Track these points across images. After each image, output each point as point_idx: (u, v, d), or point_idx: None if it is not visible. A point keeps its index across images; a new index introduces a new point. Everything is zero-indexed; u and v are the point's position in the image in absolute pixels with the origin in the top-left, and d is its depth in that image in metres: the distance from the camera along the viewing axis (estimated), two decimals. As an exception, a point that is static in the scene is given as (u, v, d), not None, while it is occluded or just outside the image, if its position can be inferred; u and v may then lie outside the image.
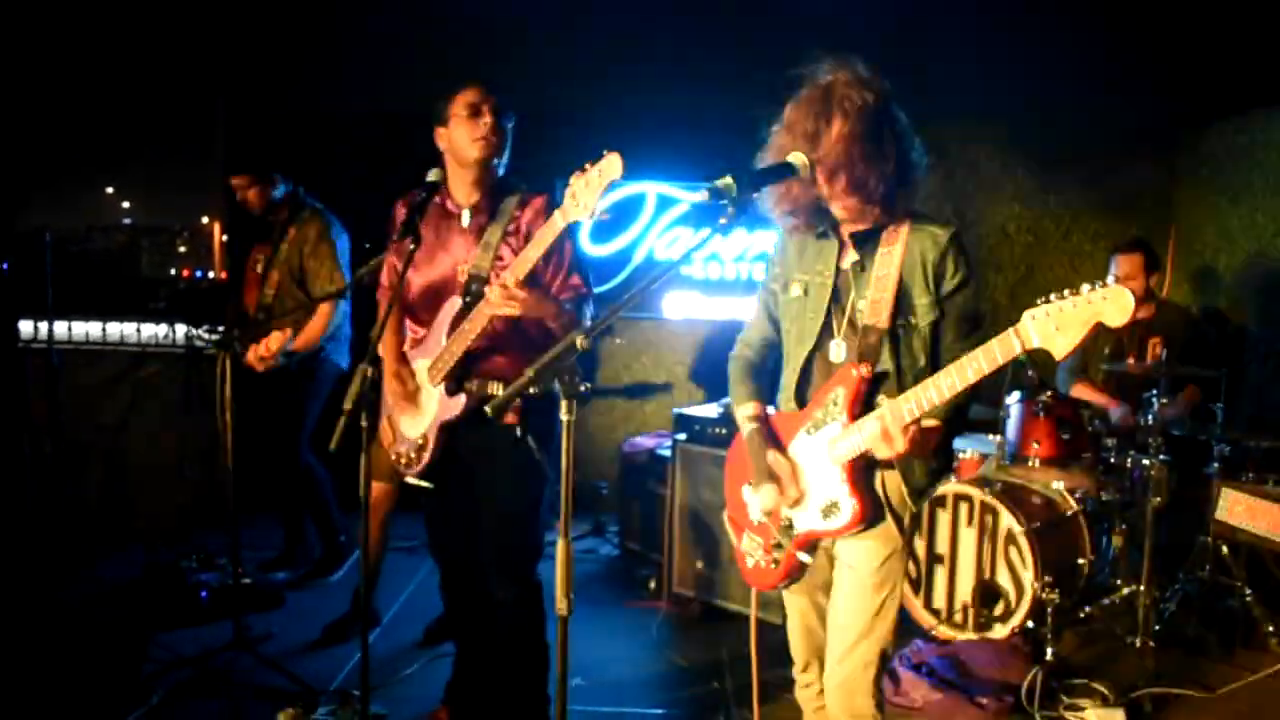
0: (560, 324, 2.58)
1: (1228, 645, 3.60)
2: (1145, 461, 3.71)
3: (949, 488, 3.78)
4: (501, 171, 2.71)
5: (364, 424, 2.32)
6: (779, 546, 2.15)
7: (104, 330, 5.02)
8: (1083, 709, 3.12)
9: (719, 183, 1.81)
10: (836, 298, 2.08)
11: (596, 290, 2.75)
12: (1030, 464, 3.96)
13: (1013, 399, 4.04)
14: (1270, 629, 3.59)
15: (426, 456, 2.70)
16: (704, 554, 3.94)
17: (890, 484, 2.06)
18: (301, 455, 4.18)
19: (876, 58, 2.03)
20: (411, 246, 2.50)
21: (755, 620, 2.35)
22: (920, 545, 3.78)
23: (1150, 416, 3.66)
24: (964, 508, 3.75)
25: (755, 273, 5.36)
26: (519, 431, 2.62)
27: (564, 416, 1.71)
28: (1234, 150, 5.00)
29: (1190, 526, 3.84)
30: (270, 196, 4.13)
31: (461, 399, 2.62)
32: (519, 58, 5.05)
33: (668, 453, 4.12)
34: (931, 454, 2.01)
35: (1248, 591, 3.65)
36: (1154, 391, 3.65)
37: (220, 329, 3.91)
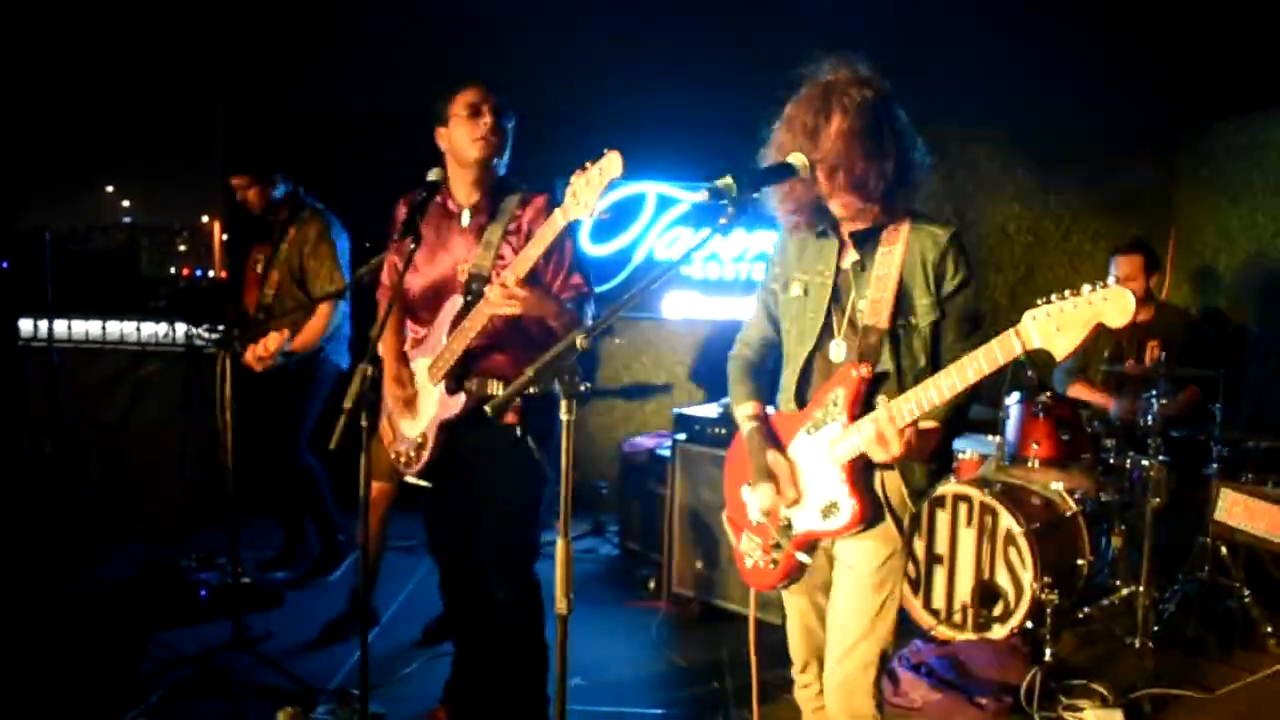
0: (561, 323, 2.58)
1: (1226, 646, 3.60)
2: (1144, 462, 3.71)
3: (948, 488, 3.78)
4: (503, 171, 2.71)
5: (364, 423, 2.32)
6: (778, 547, 2.15)
7: (104, 329, 5.02)
8: (1081, 709, 3.12)
9: (719, 183, 1.82)
10: (836, 297, 2.08)
11: (597, 290, 2.75)
12: (1029, 465, 3.96)
13: (1012, 400, 4.04)
14: (1269, 630, 3.59)
15: (426, 455, 2.70)
16: (704, 554, 3.95)
17: (890, 484, 2.06)
18: (300, 455, 4.18)
19: (876, 58, 2.03)
20: (412, 246, 2.51)
21: (754, 620, 2.35)
22: (919, 546, 3.78)
23: (1150, 417, 3.66)
24: (963, 508, 3.76)
25: (755, 273, 5.36)
26: (519, 431, 2.62)
27: (564, 416, 1.71)
28: (1234, 150, 5.01)
29: (1189, 527, 3.84)
30: (270, 196, 4.13)
31: (461, 398, 2.63)
32: (519, 58, 5.05)
33: (667, 453, 4.12)
34: (931, 455, 2.01)
35: (1246, 592, 3.65)
36: (1153, 392, 3.66)
37: (220, 328, 3.91)
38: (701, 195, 1.83)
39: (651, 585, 4.25)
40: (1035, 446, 3.95)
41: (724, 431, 3.89)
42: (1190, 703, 3.22)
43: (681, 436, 4.05)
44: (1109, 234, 5.29)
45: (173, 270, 6.45)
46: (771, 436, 2.16)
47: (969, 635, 3.64)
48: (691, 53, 5.19)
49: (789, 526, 2.12)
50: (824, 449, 2.04)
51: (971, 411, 2.16)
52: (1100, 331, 1.68)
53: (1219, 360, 3.88)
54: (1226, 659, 3.53)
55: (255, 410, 4.06)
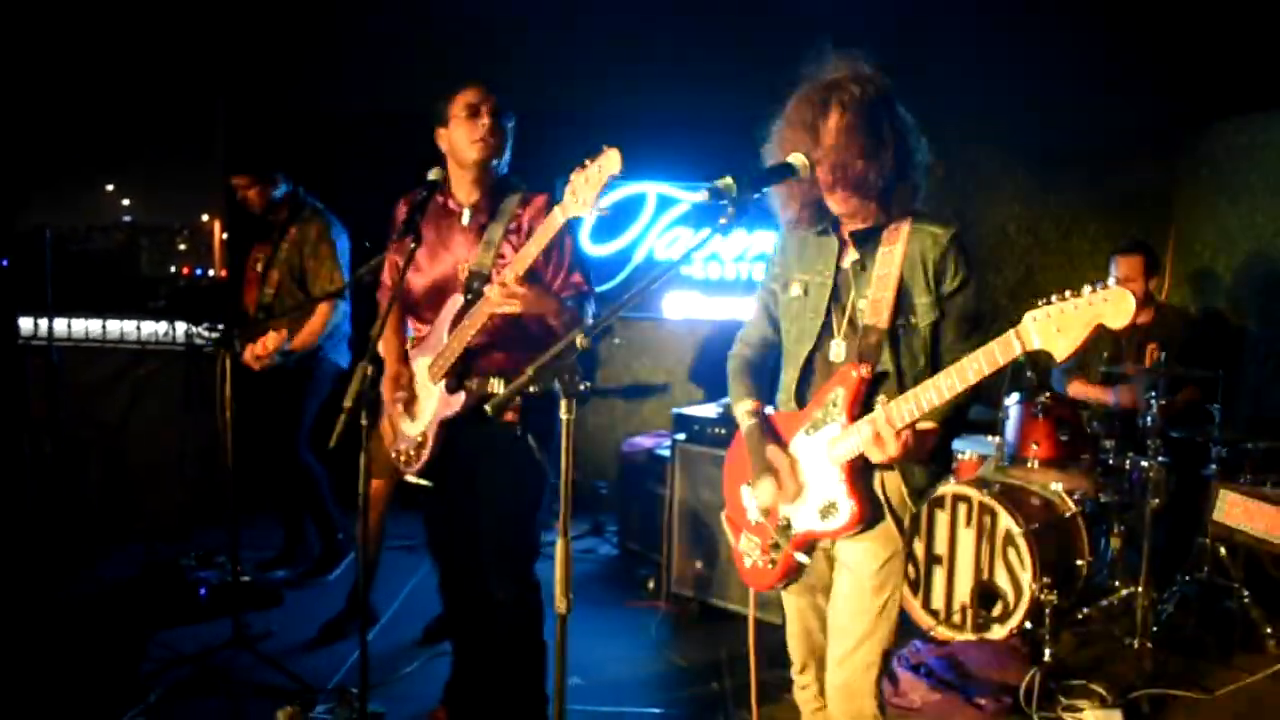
0: (561, 321, 2.58)
1: (1225, 647, 3.60)
2: (1144, 463, 3.71)
3: (948, 489, 3.78)
4: (504, 170, 2.71)
5: (363, 422, 2.33)
6: (776, 547, 2.15)
7: (104, 328, 5.02)
8: (1080, 710, 3.12)
9: (719, 183, 1.82)
10: (836, 297, 2.08)
11: (597, 290, 2.75)
12: (1029, 465, 3.97)
13: (1012, 400, 4.04)
14: (1268, 630, 3.59)
15: (426, 454, 2.70)
16: (703, 554, 3.95)
17: (890, 485, 2.05)
18: (300, 453, 4.18)
19: (876, 58, 2.03)
20: (412, 245, 2.51)
21: (753, 620, 2.35)
22: (919, 546, 3.78)
23: (1149, 417, 3.66)
24: (962, 509, 3.76)
25: (755, 273, 5.36)
26: (519, 430, 2.62)
27: (563, 415, 1.71)
28: (1234, 151, 5.00)
29: (1188, 528, 3.84)
30: (271, 196, 4.14)
31: (461, 396, 2.63)
32: (519, 58, 5.05)
33: (667, 453, 4.12)
34: (930, 456, 2.00)
35: (1245, 593, 3.65)
36: (1153, 393, 3.66)
37: (220, 327, 3.91)
38: (701, 195, 1.83)
39: (651, 585, 4.25)
40: (1035, 447, 3.95)
41: (723, 431, 3.89)
42: (1189, 703, 3.22)
43: (681, 436, 4.05)
44: (1109, 234, 5.29)
45: (173, 269, 6.46)
46: (771, 432, 2.16)
47: (968, 636, 3.64)
48: (691, 53, 5.19)
49: (788, 527, 2.12)
50: (823, 449, 2.04)
51: (971, 412, 2.16)
52: (1100, 333, 1.68)
53: (1218, 361, 3.88)
54: (1225, 659, 3.53)
55: (255, 409, 4.06)
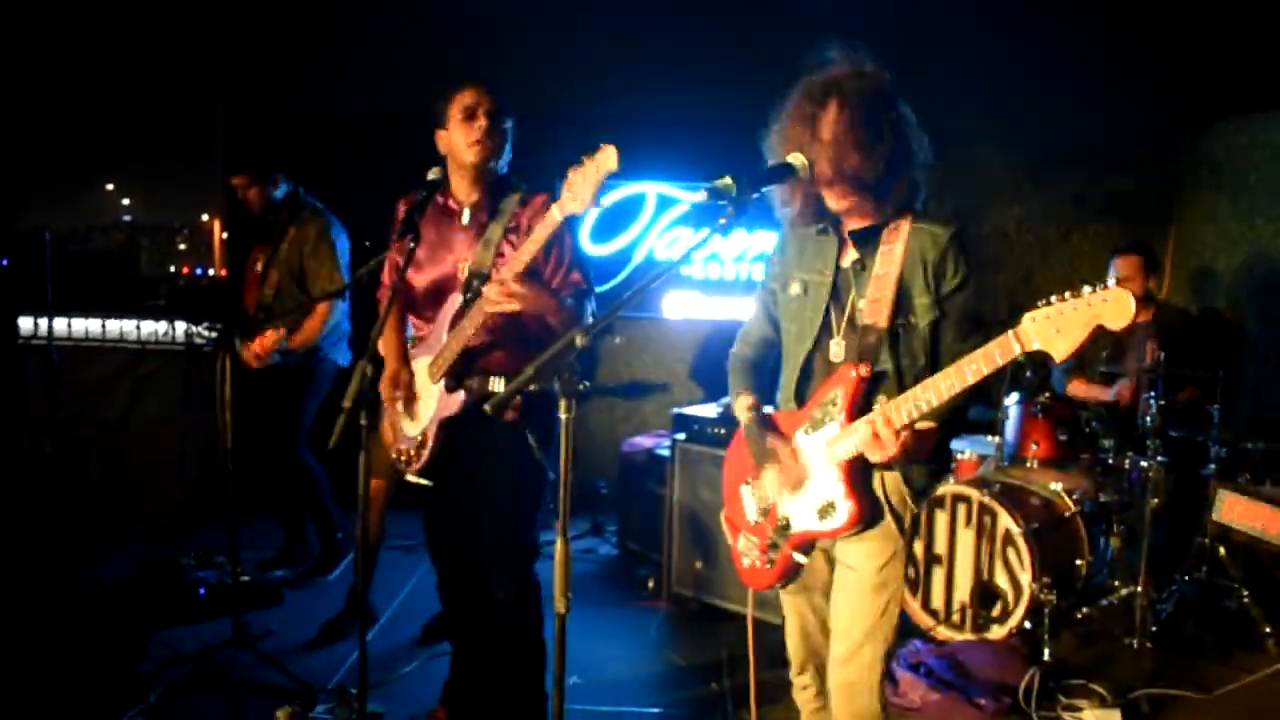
0: (560, 319, 2.58)
1: (1225, 646, 3.60)
2: (1143, 463, 3.72)
3: (947, 488, 3.78)
4: (504, 170, 2.71)
5: (362, 422, 2.33)
6: (774, 547, 2.15)
7: (104, 327, 5.02)
8: (1080, 709, 3.12)
9: (718, 183, 1.83)
10: (836, 297, 2.08)
11: (597, 290, 2.75)
12: (1028, 465, 3.97)
13: (1011, 400, 4.04)
14: (1267, 630, 3.59)
15: (426, 454, 2.70)
16: (703, 554, 3.95)
17: (890, 485, 2.05)
18: (299, 453, 4.18)
19: (876, 58, 2.04)
20: (411, 244, 2.51)
21: (752, 621, 2.35)
22: (918, 546, 3.78)
23: (1149, 418, 3.66)
24: (962, 509, 3.76)
25: (755, 273, 5.37)
26: (519, 429, 2.63)
27: (562, 415, 1.71)
28: (1234, 151, 5.01)
29: (1188, 528, 3.85)
30: (271, 196, 4.14)
31: (460, 395, 2.63)
32: (519, 58, 5.05)
33: (667, 452, 4.12)
34: (929, 455, 1.99)
35: (1245, 593, 3.66)
36: (1152, 393, 3.66)
37: (220, 327, 3.92)
38: (701, 195, 1.83)
39: (650, 585, 4.25)
40: (1034, 447, 3.96)
41: (723, 431, 3.89)
42: (1188, 703, 3.22)
43: (681, 436, 4.05)
44: (1109, 234, 5.29)
45: (172, 269, 6.45)
46: (771, 427, 2.16)
47: (968, 635, 3.64)
48: (691, 53, 5.19)
49: (786, 527, 2.12)
50: (822, 449, 2.04)
51: (971, 412, 2.16)
52: (1101, 333, 1.68)
53: (1218, 360, 3.88)
54: (1224, 659, 3.53)
55: (255, 409, 4.06)
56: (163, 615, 3.76)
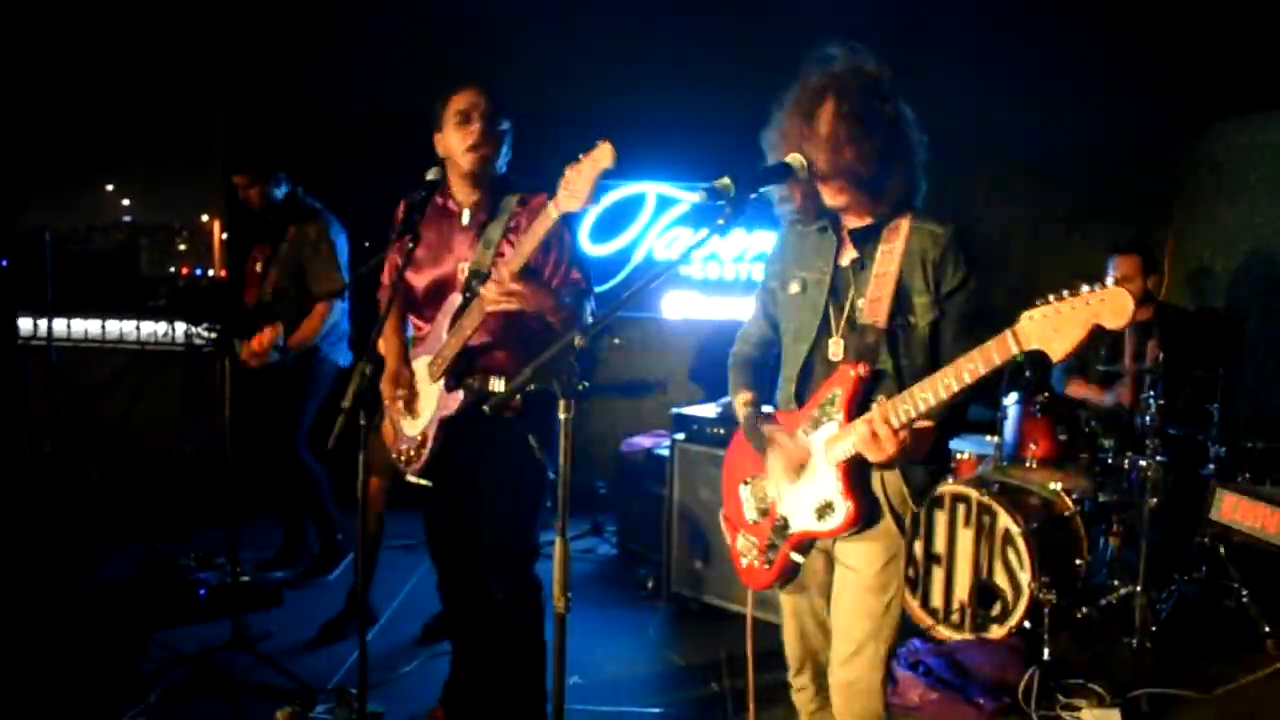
0: (559, 318, 2.57)
1: (1224, 646, 3.60)
2: (1142, 462, 3.72)
3: (946, 488, 3.79)
4: (502, 170, 2.71)
5: (362, 422, 2.33)
6: (773, 547, 2.15)
7: (103, 328, 5.03)
8: (1079, 709, 3.13)
9: (717, 183, 1.83)
10: (835, 295, 2.08)
11: (596, 290, 2.75)
12: (1028, 464, 3.97)
13: (1010, 400, 4.04)
14: (1267, 630, 3.59)
15: (425, 454, 2.70)
16: (702, 553, 3.95)
17: (890, 484, 2.05)
18: (299, 453, 4.19)
19: (877, 57, 2.04)
20: (410, 245, 2.51)
21: (750, 621, 2.35)
22: (918, 545, 3.78)
23: (1148, 417, 3.66)
24: (961, 508, 3.76)
25: (754, 273, 5.37)
26: (519, 429, 2.63)
27: (561, 415, 1.71)
28: (1233, 151, 5.01)
29: (1187, 527, 3.84)
30: (272, 195, 4.14)
31: (459, 395, 2.63)
32: (519, 58, 5.06)
33: (666, 452, 4.13)
34: (928, 455, 1.98)
35: (1244, 592, 3.66)
36: (1151, 392, 3.66)
37: (219, 327, 3.92)
38: (700, 196, 1.83)
39: (650, 584, 4.25)
40: (1033, 446, 3.96)
41: (722, 431, 3.89)
42: (1187, 702, 3.22)
43: (680, 436, 4.06)
44: (1109, 234, 5.27)
45: (172, 269, 6.45)
46: (770, 422, 2.16)
47: (967, 635, 3.64)
48: (691, 53, 5.19)
49: (784, 526, 2.12)
50: (820, 449, 2.04)
51: (970, 411, 2.16)
52: (1099, 332, 1.67)
53: (1217, 360, 3.88)
54: (1224, 659, 3.52)
55: (254, 409, 4.07)
56: (163, 616, 3.76)
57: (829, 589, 2.16)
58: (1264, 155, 4.78)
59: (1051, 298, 1.67)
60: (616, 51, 5.25)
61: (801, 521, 2.08)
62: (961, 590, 3.73)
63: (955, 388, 1.79)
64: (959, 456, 4.23)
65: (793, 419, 2.12)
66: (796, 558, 2.13)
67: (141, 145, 5.92)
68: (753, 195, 1.88)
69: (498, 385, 2.62)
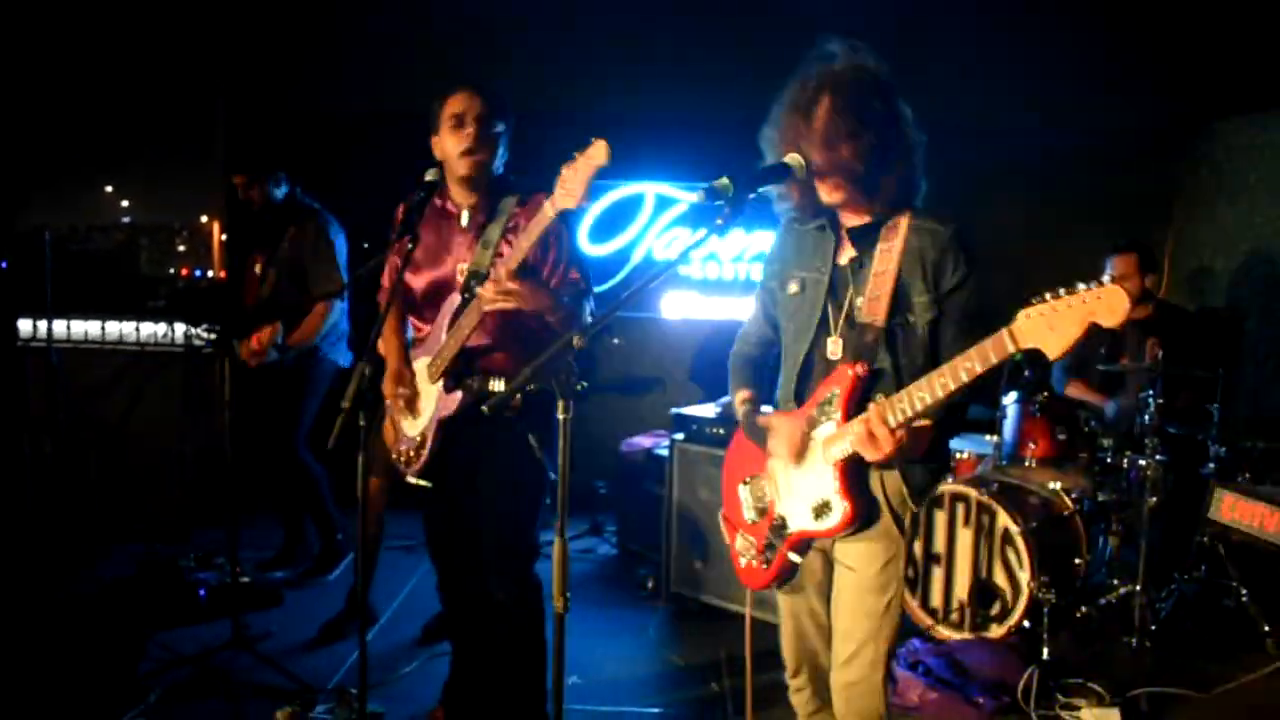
0: (558, 317, 2.57)
1: (1223, 645, 3.61)
2: (1141, 462, 3.72)
3: (946, 487, 3.79)
4: (499, 169, 2.71)
5: (361, 422, 2.33)
6: (771, 547, 2.15)
7: (103, 329, 5.03)
8: (1078, 708, 3.13)
9: (716, 184, 1.83)
10: (834, 295, 2.07)
11: (595, 290, 2.75)
12: (1027, 464, 3.97)
13: (1010, 399, 4.04)
14: (1266, 629, 3.59)
15: (425, 454, 2.71)
16: (702, 553, 3.95)
17: (890, 485, 2.05)
18: (299, 453, 4.19)
19: (877, 55, 2.04)
20: (409, 246, 2.51)
21: (749, 621, 2.35)
22: (917, 545, 3.78)
23: (1147, 416, 3.67)
24: (960, 507, 3.76)
25: (753, 273, 5.37)
26: (519, 429, 2.63)
27: (560, 415, 1.71)
28: (1233, 150, 5.01)
29: (1186, 527, 3.85)
30: (272, 194, 4.15)
31: (458, 395, 2.63)
32: (519, 58, 5.06)
33: (665, 452, 4.13)
34: (926, 453, 1.98)
35: (1244, 592, 3.66)
36: (1150, 392, 3.66)
37: (219, 328, 3.93)
38: (698, 196, 1.84)
39: (650, 584, 4.26)
40: (1032, 446, 3.96)
41: (722, 431, 3.90)
42: (1187, 702, 3.22)
43: (679, 436, 4.06)
44: (1109, 234, 5.26)
45: (172, 270, 6.45)
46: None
47: (966, 634, 3.64)
48: (691, 53, 5.20)
49: (782, 526, 2.12)
50: (818, 448, 2.03)
51: (969, 411, 2.15)
52: (1095, 330, 1.67)
53: (1217, 359, 3.88)
54: (1223, 658, 3.52)
55: (254, 410, 4.07)
56: (162, 616, 3.76)
57: (826, 589, 2.16)
58: (1264, 155, 4.79)
59: (1048, 296, 1.67)
60: (616, 51, 5.25)
61: (799, 521, 2.08)
62: (961, 590, 3.73)
63: (952, 386, 1.78)
64: (958, 456, 4.23)
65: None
66: (794, 558, 2.13)
67: (141, 145, 5.92)
68: (751, 195, 1.88)
69: (497, 385, 2.63)
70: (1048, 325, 1.66)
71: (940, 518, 3.80)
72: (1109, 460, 3.96)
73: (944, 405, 1.83)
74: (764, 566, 2.17)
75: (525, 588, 2.75)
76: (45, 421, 4.78)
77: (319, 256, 4.11)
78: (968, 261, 1.99)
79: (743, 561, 2.24)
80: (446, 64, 5.09)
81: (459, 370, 2.64)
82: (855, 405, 1.97)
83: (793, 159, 1.95)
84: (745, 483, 2.23)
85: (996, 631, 3.62)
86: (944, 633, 3.70)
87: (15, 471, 4.82)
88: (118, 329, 5.02)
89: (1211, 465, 3.77)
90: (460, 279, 2.66)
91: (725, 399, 4.01)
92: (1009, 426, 4.05)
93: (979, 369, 1.75)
